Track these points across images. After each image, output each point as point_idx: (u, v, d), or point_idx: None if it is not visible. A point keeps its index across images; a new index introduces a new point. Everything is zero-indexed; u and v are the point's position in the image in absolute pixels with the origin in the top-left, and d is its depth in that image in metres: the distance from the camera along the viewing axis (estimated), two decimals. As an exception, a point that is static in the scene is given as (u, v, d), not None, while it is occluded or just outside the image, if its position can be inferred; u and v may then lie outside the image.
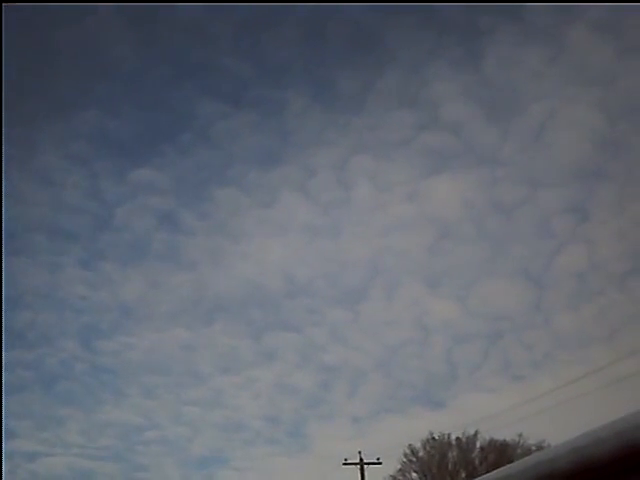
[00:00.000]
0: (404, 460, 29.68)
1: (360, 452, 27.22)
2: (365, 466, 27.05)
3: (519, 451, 27.15)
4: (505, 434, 27.91)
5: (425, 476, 29.59)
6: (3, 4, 14.76)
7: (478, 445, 29.43)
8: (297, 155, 29.21)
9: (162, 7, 23.54)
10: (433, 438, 29.55)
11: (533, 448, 25.87)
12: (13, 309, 34.39)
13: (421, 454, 29.82)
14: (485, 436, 29.05)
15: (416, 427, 28.68)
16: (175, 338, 34.46)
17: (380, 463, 27.39)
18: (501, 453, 27.83)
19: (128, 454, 36.56)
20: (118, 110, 37.11)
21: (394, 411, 34.21)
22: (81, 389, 38.71)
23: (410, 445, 29.52)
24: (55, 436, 35.67)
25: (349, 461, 27.17)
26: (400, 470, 29.72)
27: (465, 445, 29.59)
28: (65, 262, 39.56)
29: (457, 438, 29.55)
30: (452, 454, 29.60)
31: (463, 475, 28.53)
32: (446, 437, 29.61)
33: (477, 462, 28.79)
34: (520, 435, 28.15)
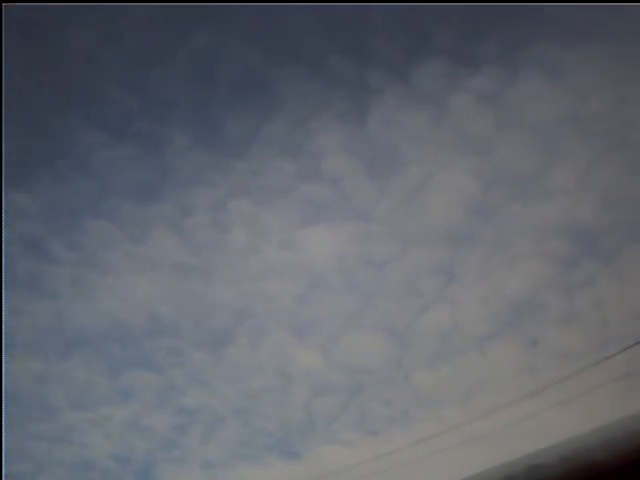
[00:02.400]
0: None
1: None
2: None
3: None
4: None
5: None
6: (3, 4, 14.47)
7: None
8: (174, 193, 29.05)
9: (52, 31, 23.06)
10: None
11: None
12: None
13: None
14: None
15: (270, 477, 28.47)
16: (28, 368, 33.09)
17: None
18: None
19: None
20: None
21: (249, 459, 33.89)
22: None
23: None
24: None
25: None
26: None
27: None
28: None
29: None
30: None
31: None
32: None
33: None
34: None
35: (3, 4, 14.68)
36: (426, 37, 19.73)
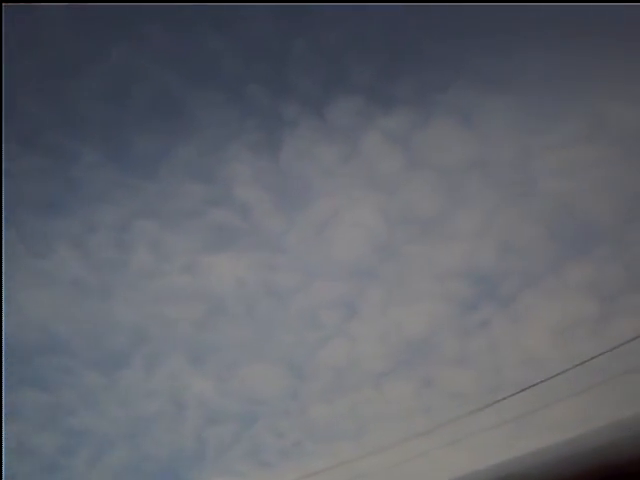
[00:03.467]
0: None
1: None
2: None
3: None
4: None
5: None
6: (3, 4, 14.12)
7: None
8: (80, 209, 28.42)
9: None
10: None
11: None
12: None
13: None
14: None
15: (156, 504, 27.84)
16: None
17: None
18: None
19: None
20: None
21: (135, 485, 33.10)
22: None
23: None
24: None
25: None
26: None
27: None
28: None
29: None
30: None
31: None
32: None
33: None
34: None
35: (3, 4, 14.43)
36: (344, 73, 20.02)
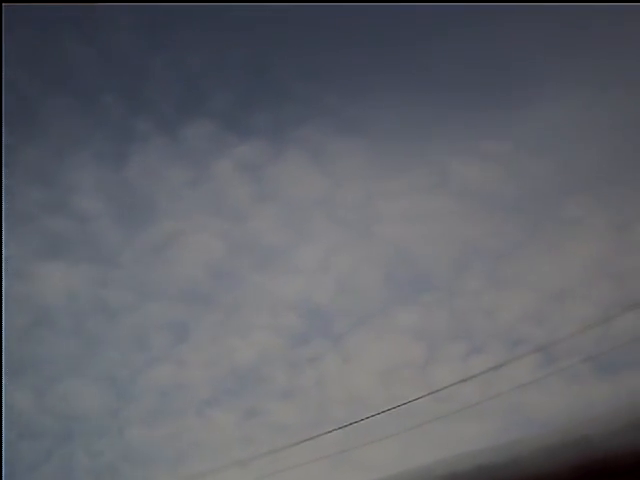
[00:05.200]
0: None
1: None
2: None
3: None
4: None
5: None
6: (3, 4, 13.67)
7: None
8: None
9: None
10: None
11: None
12: None
13: None
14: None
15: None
16: None
17: None
18: None
19: None
20: None
21: None
22: None
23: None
24: None
25: None
26: None
27: None
28: None
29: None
30: None
31: None
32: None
33: None
34: None
35: (3, 4, 13.74)
36: (202, 96, 19.94)
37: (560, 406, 15.09)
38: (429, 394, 11.99)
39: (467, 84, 18.52)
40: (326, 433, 11.72)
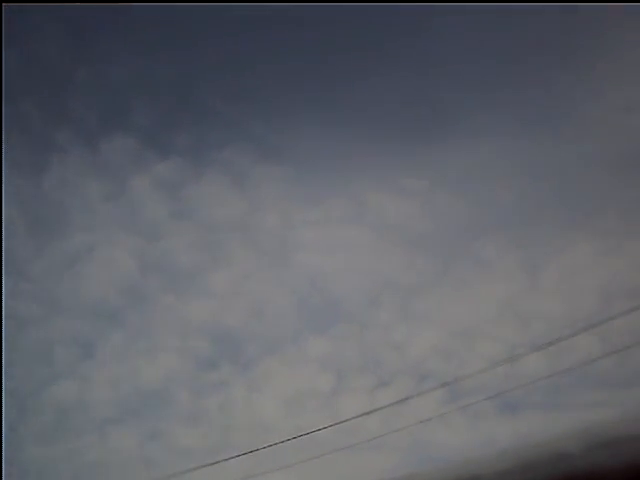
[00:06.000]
0: None
1: None
2: None
3: None
4: None
5: None
6: (3, 4, 13.79)
7: None
8: None
9: None
10: None
11: None
12: None
13: None
14: None
15: None
16: None
17: None
18: None
19: None
20: None
21: None
22: None
23: None
24: None
25: None
26: None
27: None
28: None
29: None
30: None
31: None
32: None
33: None
34: None
35: (3, 4, 13.70)
36: (125, 112, 19.74)
37: (461, 442, 15.33)
38: (333, 425, 12.05)
39: (391, 121, 18.85)
40: (229, 459, 11.65)
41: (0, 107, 14.80)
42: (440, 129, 18.22)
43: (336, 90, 19.08)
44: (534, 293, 17.01)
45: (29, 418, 20.43)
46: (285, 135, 18.95)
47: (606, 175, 16.91)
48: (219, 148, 19.29)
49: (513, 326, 16.61)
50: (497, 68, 18.50)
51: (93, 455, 18.09)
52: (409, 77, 18.68)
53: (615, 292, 15.90)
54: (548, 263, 17.19)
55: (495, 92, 18.42)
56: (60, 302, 21.31)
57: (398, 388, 16.13)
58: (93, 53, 19.76)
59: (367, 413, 12.29)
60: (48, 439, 19.64)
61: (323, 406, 16.79)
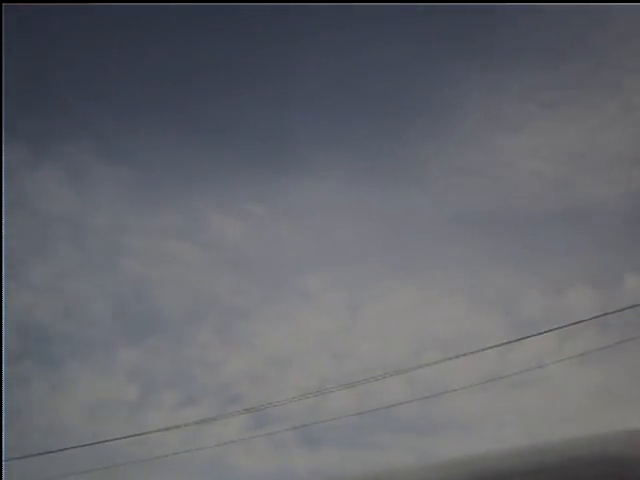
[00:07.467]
0: None
1: None
2: None
3: None
4: None
5: None
6: (3, 4, 14.00)
7: None
8: None
9: None
10: None
11: None
12: None
13: None
14: None
15: None
16: None
17: None
18: None
19: None
20: None
21: None
22: None
23: None
24: None
25: None
26: None
27: None
28: None
29: None
30: None
31: None
32: None
33: None
34: None
35: (3, 4, 13.94)
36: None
37: (260, 469, 15.48)
38: (132, 436, 11.92)
39: (245, 145, 18.93)
40: (21, 458, 11.28)
41: (0, 107, 14.39)
42: (290, 158, 18.46)
43: (199, 105, 18.95)
44: (352, 332, 17.45)
45: None
46: (135, 138, 18.60)
47: (439, 230, 17.67)
48: (63, 140, 18.65)
49: (327, 361, 16.96)
50: (356, 103, 18.96)
51: None
52: (268, 102, 18.86)
53: (428, 342, 16.59)
54: (369, 305, 17.69)
55: (351, 125, 18.89)
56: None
57: (205, 407, 16.09)
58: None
59: (168, 428, 12.25)
60: None
61: (127, 416, 16.46)
